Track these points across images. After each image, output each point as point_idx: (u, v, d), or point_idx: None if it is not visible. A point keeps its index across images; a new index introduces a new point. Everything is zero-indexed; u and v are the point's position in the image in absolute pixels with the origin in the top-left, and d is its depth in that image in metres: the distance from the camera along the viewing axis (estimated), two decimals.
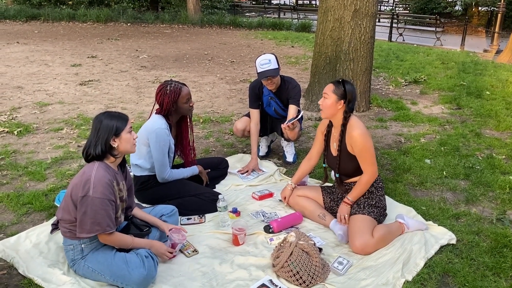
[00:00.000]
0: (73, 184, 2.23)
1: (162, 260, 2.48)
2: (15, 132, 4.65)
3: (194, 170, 3.26)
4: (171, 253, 2.48)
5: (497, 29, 12.43)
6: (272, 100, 3.81)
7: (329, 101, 2.72)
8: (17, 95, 6.18)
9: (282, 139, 4.05)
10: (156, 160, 2.98)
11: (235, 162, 3.96)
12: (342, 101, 2.71)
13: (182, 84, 3.03)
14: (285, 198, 3.15)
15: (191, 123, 3.25)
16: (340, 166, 2.84)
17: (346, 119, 2.74)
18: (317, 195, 3.04)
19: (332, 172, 2.96)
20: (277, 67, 3.59)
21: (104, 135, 2.21)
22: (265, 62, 3.55)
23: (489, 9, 18.76)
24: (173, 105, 2.97)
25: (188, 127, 3.23)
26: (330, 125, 2.91)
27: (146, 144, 2.98)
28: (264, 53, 3.68)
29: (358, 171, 2.79)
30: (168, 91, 2.94)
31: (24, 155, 4.11)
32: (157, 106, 3.06)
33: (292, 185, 3.13)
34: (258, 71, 3.60)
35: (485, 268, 2.49)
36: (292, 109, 3.73)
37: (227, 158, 3.88)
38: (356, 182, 2.80)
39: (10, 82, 6.94)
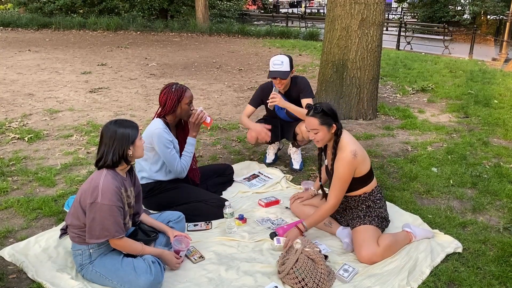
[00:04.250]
0: (82, 190, 2.27)
1: (171, 268, 2.51)
2: (26, 139, 4.72)
3: (190, 141, 3.19)
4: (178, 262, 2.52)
5: (505, 38, 12.39)
6: None
7: (322, 133, 2.66)
8: (28, 102, 6.27)
9: (290, 146, 4.06)
10: (165, 158, 3.04)
11: (242, 169, 3.99)
12: (334, 124, 2.66)
13: (186, 87, 3.11)
14: (298, 198, 3.15)
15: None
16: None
17: (337, 135, 2.68)
18: (322, 203, 3.04)
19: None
20: (289, 70, 3.60)
21: (121, 144, 2.26)
22: (278, 63, 3.59)
23: (497, 18, 18.73)
24: (176, 104, 3.04)
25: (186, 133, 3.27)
26: None
27: (146, 148, 3.04)
28: (280, 54, 3.71)
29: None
30: (173, 90, 3.03)
31: (34, 161, 4.17)
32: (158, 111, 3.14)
33: (315, 192, 3.15)
34: (269, 69, 3.64)
35: (492, 277, 2.47)
36: (306, 103, 3.67)
37: (234, 165, 3.91)
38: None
39: (21, 89, 7.05)
